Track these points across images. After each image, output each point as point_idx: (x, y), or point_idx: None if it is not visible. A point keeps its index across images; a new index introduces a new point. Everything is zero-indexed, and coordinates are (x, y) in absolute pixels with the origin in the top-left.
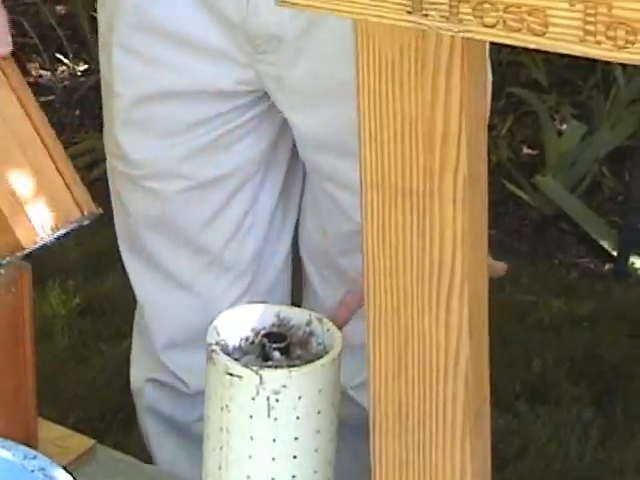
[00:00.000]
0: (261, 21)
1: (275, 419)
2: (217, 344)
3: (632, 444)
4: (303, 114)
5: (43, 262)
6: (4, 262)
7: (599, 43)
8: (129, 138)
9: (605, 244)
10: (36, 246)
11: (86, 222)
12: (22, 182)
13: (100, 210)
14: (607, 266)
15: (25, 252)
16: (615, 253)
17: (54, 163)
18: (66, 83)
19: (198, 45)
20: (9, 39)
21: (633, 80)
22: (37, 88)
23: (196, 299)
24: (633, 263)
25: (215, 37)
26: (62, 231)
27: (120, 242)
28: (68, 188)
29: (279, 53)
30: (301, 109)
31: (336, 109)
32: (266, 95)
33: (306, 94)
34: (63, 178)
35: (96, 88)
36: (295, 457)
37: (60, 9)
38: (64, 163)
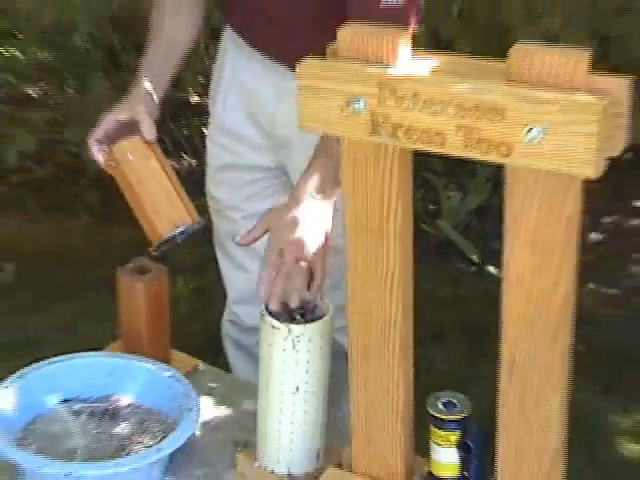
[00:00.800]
0: (280, 131)
1: (297, 351)
2: (266, 310)
3: (485, 364)
4: None
5: (173, 265)
6: (154, 251)
7: (473, 151)
8: (214, 189)
9: (473, 257)
10: (167, 236)
11: (197, 227)
12: (160, 204)
13: (203, 220)
14: (473, 269)
15: (162, 240)
16: (478, 262)
17: (178, 195)
18: (186, 171)
19: (248, 141)
20: (155, 130)
21: (486, 169)
22: None
23: (250, 276)
24: (488, 269)
25: (257, 137)
26: (181, 229)
27: (215, 246)
28: (186, 208)
29: (289, 148)
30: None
31: None
32: (286, 171)
33: (302, 172)
34: (183, 203)
35: (202, 173)
36: (307, 372)
37: (186, 132)
38: (184, 195)
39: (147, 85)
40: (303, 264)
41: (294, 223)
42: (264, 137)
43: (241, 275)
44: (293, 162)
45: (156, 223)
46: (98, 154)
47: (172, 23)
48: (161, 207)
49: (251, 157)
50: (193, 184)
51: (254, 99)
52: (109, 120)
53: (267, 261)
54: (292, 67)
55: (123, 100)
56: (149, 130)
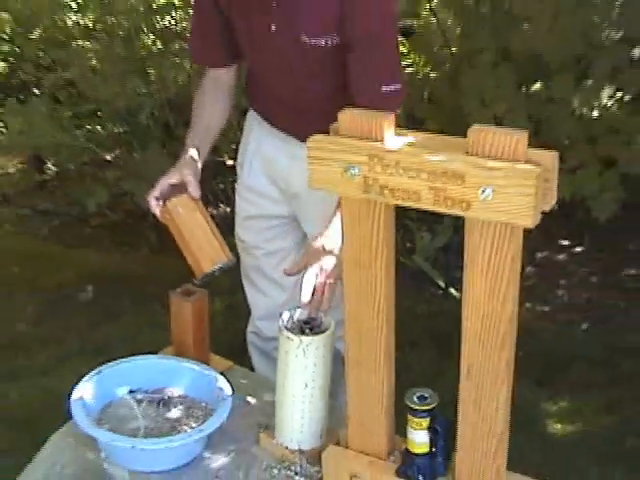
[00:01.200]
0: (293, 188)
1: (306, 357)
2: (282, 324)
3: (449, 366)
4: (308, 227)
5: (211, 288)
6: (198, 281)
7: (441, 206)
8: (242, 232)
9: (440, 283)
10: (208, 271)
11: (230, 264)
12: (203, 246)
13: (234, 258)
14: (440, 292)
15: (204, 274)
16: (444, 287)
17: (216, 239)
18: (222, 217)
19: (267, 196)
20: (199, 189)
21: (450, 217)
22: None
23: (269, 299)
24: (452, 292)
25: (274, 193)
26: (219, 265)
27: (242, 275)
28: (222, 250)
29: (299, 201)
30: (307, 225)
31: (323, 226)
32: (296, 219)
33: (310, 219)
34: (220, 245)
35: (234, 219)
36: (314, 372)
37: (222, 187)
38: (221, 239)
39: (192, 154)
40: (330, 282)
41: (321, 258)
42: (280, 193)
43: (262, 298)
44: (302, 212)
45: (200, 261)
46: (155, 208)
47: (210, 110)
48: (204, 249)
49: (270, 208)
50: (227, 227)
51: (272, 164)
52: (164, 181)
53: (306, 281)
54: (302, 139)
55: (175, 166)
56: (195, 189)
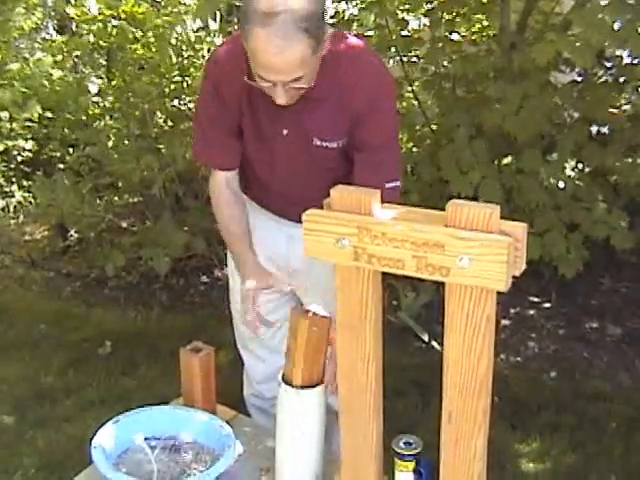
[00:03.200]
0: (293, 266)
1: (303, 408)
2: (282, 379)
3: (432, 411)
4: (307, 298)
5: (218, 343)
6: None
7: (423, 272)
8: (243, 307)
9: (424, 337)
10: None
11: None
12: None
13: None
14: (424, 346)
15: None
16: (427, 341)
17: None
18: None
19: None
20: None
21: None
22: None
23: (267, 365)
24: (434, 345)
25: (273, 270)
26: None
27: (238, 344)
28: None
29: (299, 276)
30: (306, 297)
31: (320, 297)
32: (293, 290)
33: (309, 293)
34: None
35: None
36: (309, 422)
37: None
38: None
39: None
40: None
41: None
42: (279, 270)
43: (261, 365)
44: (302, 285)
45: (314, 372)
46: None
47: (243, 217)
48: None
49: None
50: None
51: (270, 245)
52: (259, 291)
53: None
54: (298, 221)
55: (249, 271)
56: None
